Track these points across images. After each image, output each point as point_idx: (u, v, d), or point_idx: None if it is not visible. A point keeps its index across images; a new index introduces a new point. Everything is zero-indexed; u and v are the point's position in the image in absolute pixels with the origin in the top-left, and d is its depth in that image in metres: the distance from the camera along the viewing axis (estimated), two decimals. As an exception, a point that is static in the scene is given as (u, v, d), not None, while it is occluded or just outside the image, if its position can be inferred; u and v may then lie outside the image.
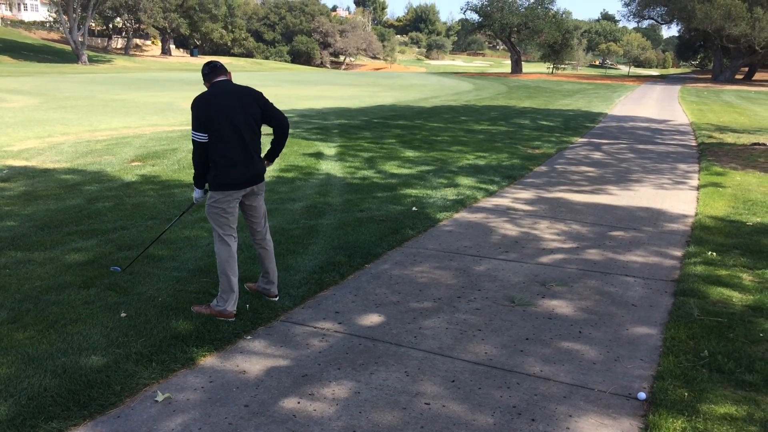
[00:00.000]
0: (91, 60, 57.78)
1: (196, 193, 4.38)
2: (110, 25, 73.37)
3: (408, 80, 47.40)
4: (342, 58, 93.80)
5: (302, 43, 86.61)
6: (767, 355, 3.87)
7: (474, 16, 68.90)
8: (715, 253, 5.95)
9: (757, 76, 59.42)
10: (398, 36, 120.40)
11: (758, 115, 23.11)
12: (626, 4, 61.42)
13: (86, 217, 6.80)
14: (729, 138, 15.52)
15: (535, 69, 75.93)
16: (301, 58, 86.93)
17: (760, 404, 3.32)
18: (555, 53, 68.28)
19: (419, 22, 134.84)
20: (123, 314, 4.25)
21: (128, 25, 71.46)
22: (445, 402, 3.35)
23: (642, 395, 3.42)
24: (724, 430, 3.10)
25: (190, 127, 4.15)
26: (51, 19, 69.27)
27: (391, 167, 10.36)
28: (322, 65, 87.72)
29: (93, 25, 70.13)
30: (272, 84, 36.33)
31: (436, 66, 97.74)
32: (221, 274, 4.27)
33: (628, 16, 62.86)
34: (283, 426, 3.10)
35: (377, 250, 5.88)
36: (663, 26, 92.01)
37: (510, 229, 6.78)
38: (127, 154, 10.88)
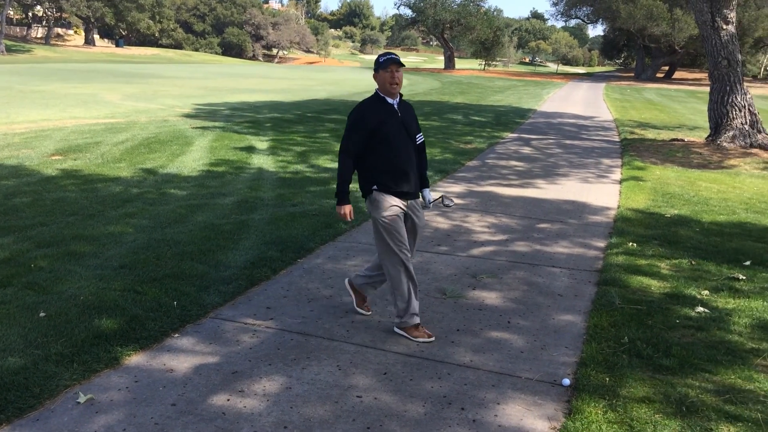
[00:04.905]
0: (8, 50, 54.96)
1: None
2: (30, 14, 69.99)
3: (342, 74, 47.24)
4: (275, 51, 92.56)
5: (233, 35, 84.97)
6: (683, 341, 4.07)
7: (408, 12, 69.29)
8: (635, 244, 6.20)
9: (677, 74, 62.02)
10: (332, 30, 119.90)
11: (677, 112, 24.20)
12: (554, 4, 63.03)
13: (2, 214, 6.47)
14: (650, 134, 16.19)
15: (467, 65, 77.00)
16: (232, 50, 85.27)
17: (676, 386, 3.48)
18: (486, 50, 69.43)
19: (353, 17, 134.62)
20: (42, 314, 4.07)
21: (49, 13, 68.32)
22: (377, 394, 3.37)
23: (566, 381, 3.53)
24: (643, 411, 3.24)
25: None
26: (-36, 6, 65.54)
27: (325, 161, 10.31)
28: (254, 58, 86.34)
29: (11, 13, 66.75)
30: (202, 77, 35.51)
31: (370, 61, 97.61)
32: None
33: (557, 15, 64.36)
34: (211, 424, 3.05)
35: (310, 244, 5.84)
36: (589, 25, 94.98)
37: (442, 223, 6.86)
38: (47, 147, 10.42)
